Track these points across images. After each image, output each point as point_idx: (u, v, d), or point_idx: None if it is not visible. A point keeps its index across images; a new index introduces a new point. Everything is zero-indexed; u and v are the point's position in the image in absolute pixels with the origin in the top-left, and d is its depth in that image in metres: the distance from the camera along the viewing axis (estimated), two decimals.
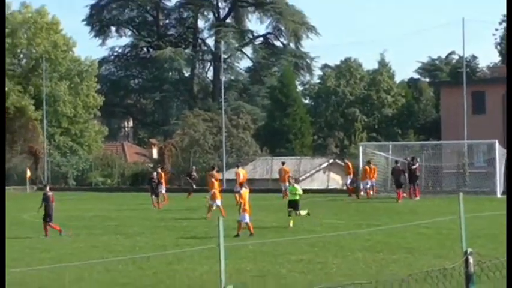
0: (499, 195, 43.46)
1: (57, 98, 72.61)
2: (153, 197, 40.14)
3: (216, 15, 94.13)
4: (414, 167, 42.99)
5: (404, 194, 41.85)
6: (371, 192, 44.57)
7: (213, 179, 35.21)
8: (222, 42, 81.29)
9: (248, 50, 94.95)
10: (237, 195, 34.33)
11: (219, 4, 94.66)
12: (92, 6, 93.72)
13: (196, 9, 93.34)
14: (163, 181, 42.11)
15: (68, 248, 24.93)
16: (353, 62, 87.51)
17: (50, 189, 30.71)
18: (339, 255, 22.26)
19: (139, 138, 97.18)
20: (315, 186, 56.04)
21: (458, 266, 9.71)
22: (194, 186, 46.53)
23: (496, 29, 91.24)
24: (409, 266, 19.39)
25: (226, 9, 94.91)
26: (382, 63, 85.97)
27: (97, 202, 45.91)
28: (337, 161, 50.56)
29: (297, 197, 30.21)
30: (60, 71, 74.04)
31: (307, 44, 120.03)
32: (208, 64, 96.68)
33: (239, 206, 28.42)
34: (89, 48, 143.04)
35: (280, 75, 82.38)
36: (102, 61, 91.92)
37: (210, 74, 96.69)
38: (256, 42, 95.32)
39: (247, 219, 27.34)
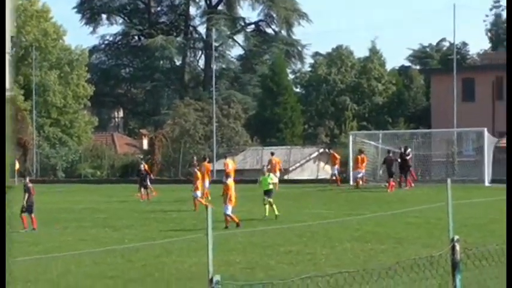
0: (487, 183, 43.55)
1: (47, 88, 72.34)
2: (142, 189, 40.11)
3: (208, 2, 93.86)
4: (408, 157, 43.05)
5: (393, 183, 41.92)
6: (360, 182, 44.63)
7: (195, 169, 35.42)
8: (214, 30, 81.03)
9: (240, 38, 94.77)
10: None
11: None
12: None
13: None
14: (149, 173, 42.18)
15: (56, 241, 24.88)
16: (344, 49, 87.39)
17: (37, 181, 30.60)
18: (328, 246, 22.31)
19: (130, 129, 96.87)
20: (305, 176, 56.08)
21: (444, 254, 9.73)
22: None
23: (487, 15, 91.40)
24: (398, 255, 19.42)
25: None
26: (373, 51, 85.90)
27: (86, 194, 45.78)
28: (327, 150, 50.62)
29: (271, 187, 30.22)
30: (50, 60, 73.77)
31: (299, 32, 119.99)
32: (200, 52, 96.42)
33: (224, 197, 28.39)
34: (79, 36, 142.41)
35: (272, 63, 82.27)
36: (93, 50, 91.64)
37: (202, 63, 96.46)
38: (248, 30, 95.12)
39: (229, 210, 27.32)
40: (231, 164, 41.87)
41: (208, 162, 41.70)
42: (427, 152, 48.94)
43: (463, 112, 56.48)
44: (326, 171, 49.88)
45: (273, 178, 30.99)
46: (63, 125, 73.67)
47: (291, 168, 58.13)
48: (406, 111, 79.08)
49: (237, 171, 45.49)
